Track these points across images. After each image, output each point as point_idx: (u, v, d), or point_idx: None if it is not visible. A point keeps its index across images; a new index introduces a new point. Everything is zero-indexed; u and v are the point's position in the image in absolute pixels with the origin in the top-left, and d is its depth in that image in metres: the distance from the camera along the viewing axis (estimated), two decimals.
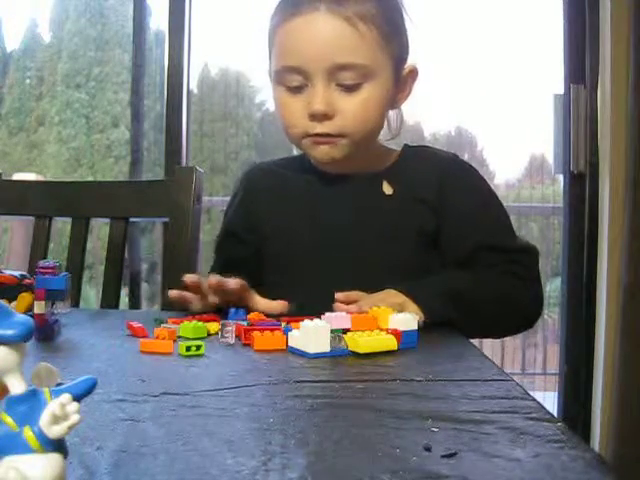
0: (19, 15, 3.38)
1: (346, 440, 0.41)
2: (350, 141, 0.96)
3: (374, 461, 0.37)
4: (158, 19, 2.29)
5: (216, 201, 2.76)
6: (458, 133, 2.96)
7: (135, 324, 0.76)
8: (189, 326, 0.75)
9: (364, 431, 0.43)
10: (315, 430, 0.43)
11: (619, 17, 1.73)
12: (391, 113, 1.04)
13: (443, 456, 0.38)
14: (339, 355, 0.67)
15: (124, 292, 1.77)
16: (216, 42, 2.72)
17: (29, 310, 0.75)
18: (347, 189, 1.01)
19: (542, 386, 2.86)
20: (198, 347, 0.66)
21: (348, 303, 0.81)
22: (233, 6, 2.73)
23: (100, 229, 2.68)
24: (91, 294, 2.68)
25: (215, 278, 0.87)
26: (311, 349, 0.66)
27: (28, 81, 3.46)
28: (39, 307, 0.70)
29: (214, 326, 0.77)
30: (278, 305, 0.88)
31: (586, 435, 1.81)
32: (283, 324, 0.76)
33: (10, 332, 0.28)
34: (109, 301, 1.19)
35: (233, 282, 0.86)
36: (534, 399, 0.51)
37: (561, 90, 1.91)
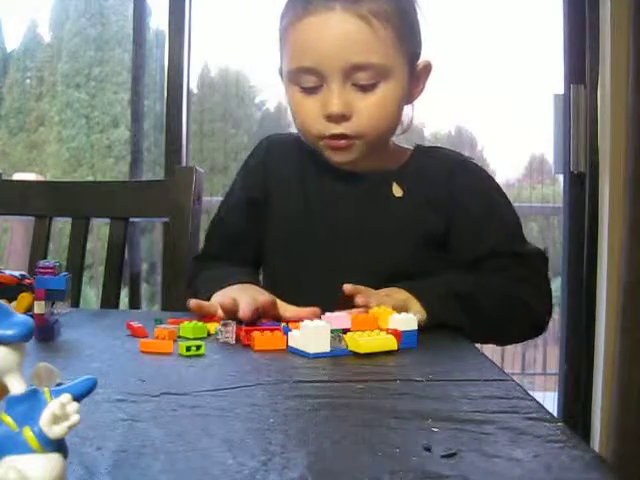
0: (19, 15, 3.38)
1: (346, 440, 0.41)
2: (366, 141, 0.95)
3: (374, 461, 0.37)
4: (158, 19, 2.29)
5: (216, 201, 2.76)
6: (458, 133, 2.96)
7: (135, 324, 0.76)
8: (189, 326, 0.75)
9: (364, 431, 0.43)
10: (315, 430, 0.43)
11: (619, 17, 1.73)
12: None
13: (443, 456, 0.38)
14: (339, 355, 0.67)
15: (124, 292, 1.77)
16: (216, 42, 2.72)
17: (29, 310, 0.75)
18: (357, 188, 1.00)
19: (542, 386, 2.86)
20: (198, 347, 0.66)
21: (353, 295, 0.81)
22: (233, 6, 2.73)
23: (100, 229, 2.68)
24: (91, 294, 2.68)
25: (229, 302, 0.81)
26: (311, 349, 0.66)
27: (28, 81, 3.46)
28: (39, 307, 0.70)
29: (214, 326, 0.77)
30: (310, 311, 0.81)
31: (586, 435, 1.81)
32: (283, 324, 0.76)
33: (10, 332, 0.28)
34: (109, 301, 1.19)
35: (247, 307, 0.79)
36: (534, 399, 0.51)
37: (561, 90, 1.91)
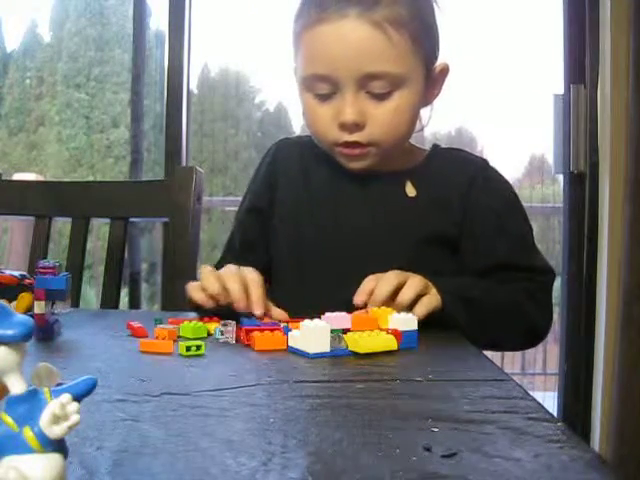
0: (19, 15, 3.38)
1: (346, 440, 0.41)
2: (380, 149, 0.94)
3: (374, 461, 0.37)
4: (158, 19, 2.29)
5: (216, 201, 2.76)
6: (458, 133, 2.96)
7: (135, 324, 0.76)
8: (189, 326, 0.75)
9: (364, 431, 0.43)
10: (315, 430, 0.43)
11: (619, 17, 1.73)
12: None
13: (443, 456, 0.38)
14: (339, 355, 0.67)
15: (124, 292, 1.77)
16: (216, 42, 2.72)
17: (29, 310, 0.75)
18: (370, 187, 1.00)
19: (542, 386, 2.86)
20: (198, 347, 0.66)
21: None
22: (233, 6, 2.73)
23: (100, 229, 2.68)
24: (91, 294, 2.68)
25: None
26: (311, 349, 0.66)
27: (28, 81, 3.46)
28: (39, 307, 0.70)
29: (214, 326, 0.77)
30: (280, 313, 0.84)
31: (586, 435, 1.81)
32: (283, 324, 0.76)
33: (10, 332, 0.28)
34: (109, 301, 1.19)
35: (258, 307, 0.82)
36: (534, 399, 0.51)
37: (561, 90, 1.91)
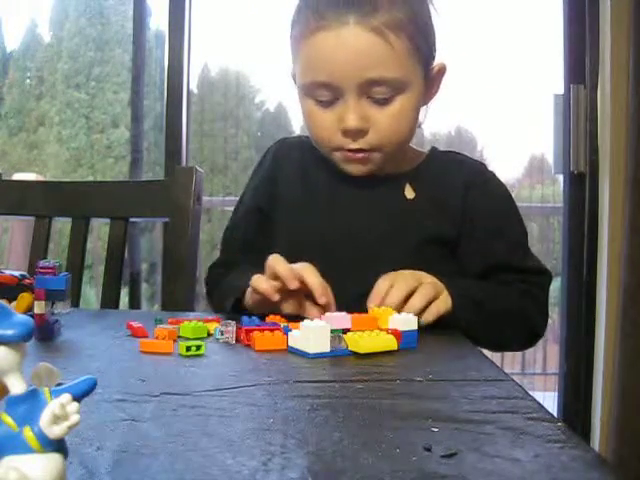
0: (19, 15, 3.38)
1: (346, 440, 0.41)
2: (383, 154, 0.95)
3: (374, 461, 0.37)
4: (158, 19, 2.29)
5: (216, 201, 2.76)
6: (458, 133, 2.96)
7: (135, 324, 0.76)
8: (189, 326, 0.75)
9: (364, 431, 0.43)
10: (315, 430, 0.43)
11: (619, 17, 1.73)
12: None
13: (443, 456, 0.38)
14: (339, 355, 0.67)
15: (124, 292, 1.77)
16: (216, 42, 2.72)
17: (29, 310, 0.75)
18: (368, 189, 1.00)
19: (542, 386, 2.86)
20: (198, 347, 0.66)
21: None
22: (233, 6, 2.73)
23: (100, 229, 2.68)
24: (91, 294, 2.69)
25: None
26: (311, 349, 0.66)
27: (28, 81, 3.46)
28: (39, 307, 0.70)
29: (214, 326, 0.77)
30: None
31: (586, 435, 1.81)
32: (283, 324, 0.76)
33: (10, 332, 0.28)
34: (109, 301, 1.19)
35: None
36: (534, 399, 0.51)
37: (561, 90, 1.91)
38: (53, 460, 0.28)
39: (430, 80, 0.98)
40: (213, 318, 0.83)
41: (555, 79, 1.94)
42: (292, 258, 0.97)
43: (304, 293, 0.84)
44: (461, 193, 0.99)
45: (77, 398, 0.29)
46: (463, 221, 0.98)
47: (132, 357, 0.66)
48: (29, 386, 0.29)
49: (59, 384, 0.30)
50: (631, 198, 1.66)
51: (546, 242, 2.75)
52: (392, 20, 0.88)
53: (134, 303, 2.10)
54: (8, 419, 0.28)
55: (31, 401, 0.29)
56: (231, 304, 0.91)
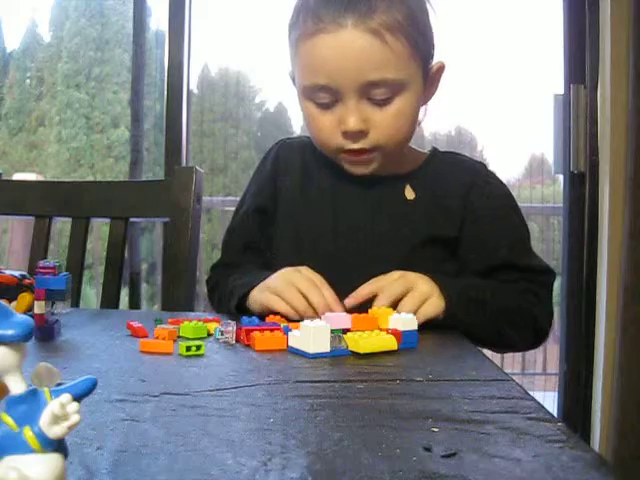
0: (19, 15, 3.38)
1: (346, 440, 0.41)
2: (384, 153, 0.95)
3: (374, 461, 0.37)
4: (158, 19, 2.29)
5: (216, 201, 2.76)
6: (458, 133, 2.96)
7: (135, 324, 0.76)
8: (189, 326, 0.75)
9: (364, 431, 0.43)
10: (315, 430, 0.43)
11: (619, 17, 1.73)
12: None
13: (443, 456, 0.38)
14: (339, 355, 0.67)
15: (124, 292, 1.77)
16: (216, 42, 2.73)
17: (29, 310, 0.75)
18: (369, 190, 1.00)
19: (542, 386, 2.87)
20: (198, 347, 0.66)
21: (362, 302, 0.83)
22: (233, 6, 2.73)
23: (100, 229, 2.69)
24: (91, 294, 2.69)
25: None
26: (311, 349, 0.66)
27: (28, 81, 3.46)
28: (39, 307, 0.70)
29: (214, 326, 0.77)
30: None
31: (586, 435, 1.81)
32: (283, 324, 0.76)
33: (10, 332, 0.28)
34: (109, 301, 1.19)
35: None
36: (534, 399, 0.51)
37: (561, 90, 1.91)
38: (53, 460, 0.28)
39: (429, 79, 0.98)
40: (213, 318, 0.83)
41: (555, 79, 1.94)
42: (294, 258, 0.97)
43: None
44: (462, 194, 0.99)
45: (77, 398, 0.29)
46: (465, 222, 0.98)
47: (132, 357, 0.66)
48: (29, 386, 0.29)
49: (59, 384, 0.30)
50: (631, 198, 1.66)
51: (546, 242, 2.75)
52: (390, 21, 0.88)
53: (134, 303, 2.10)
54: (8, 419, 0.28)
55: (31, 401, 0.29)
56: (235, 304, 0.91)
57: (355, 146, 0.93)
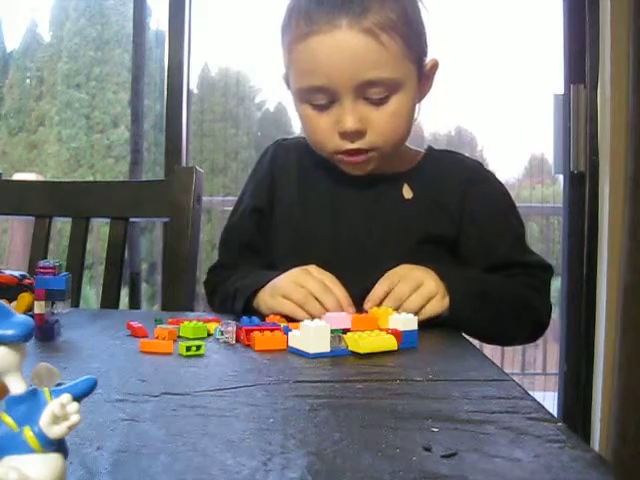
0: (19, 15, 3.38)
1: (346, 440, 0.41)
2: (381, 153, 0.95)
3: (374, 461, 0.37)
4: (158, 19, 2.29)
5: (216, 201, 2.76)
6: (458, 133, 2.96)
7: (135, 324, 0.76)
8: (189, 326, 0.75)
9: (364, 431, 0.43)
10: (315, 430, 0.43)
11: (619, 17, 1.73)
12: None
13: (443, 456, 0.38)
14: (339, 355, 0.67)
15: (124, 292, 1.77)
16: (216, 42, 2.73)
17: (29, 310, 0.75)
18: (367, 190, 1.00)
19: (542, 386, 2.86)
20: (198, 347, 0.66)
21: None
22: (233, 6, 2.74)
23: (100, 229, 2.69)
24: (91, 294, 2.69)
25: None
26: (311, 349, 0.66)
27: (28, 81, 3.46)
28: (39, 307, 0.70)
29: (214, 326, 0.77)
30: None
31: (586, 435, 1.81)
32: (283, 324, 0.76)
33: (10, 332, 0.28)
34: (109, 301, 1.19)
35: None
36: (534, 399, 0.51)
37: (561, 90, 1.91)
38: (53, 460, 0.28)
39: (424, 77, 0.98)
40: (213, 318, 0.83)
41: (555, 79, 1.94)
42: (292, 259, 0.97)
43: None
44: (459, 192, 0.99)
45: (77, 398, 0.29)
46: (462, 220, 0.99)
47: (132, 357, 0.66)
48: (29, 386, 0.29)
49: (59, 384, 0.30)
50: (631, 198, 1.66)
51: (546, 242, 2.75)
52: (384, 20, 0.88)
53: (134, 303, 2.10)
54: (8, 419, 0.28)
55: (31, 401, 0.29)
56: (241, 305, 0.91)
57: (352, 146, 0.93)
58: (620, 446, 1.63)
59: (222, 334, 0.74)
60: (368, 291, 0.85)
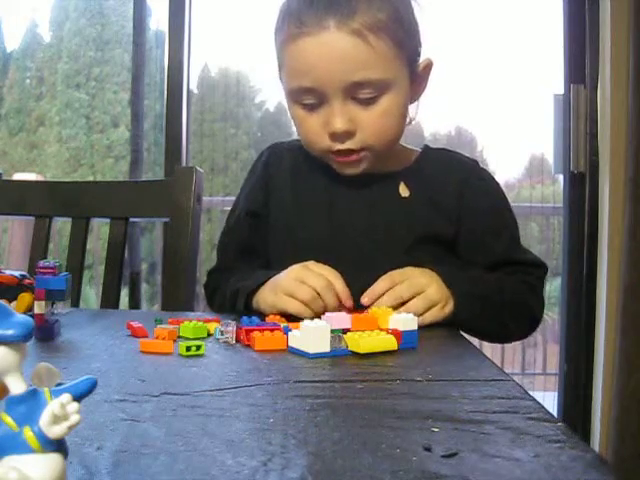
0: (19, 15, 3.38)
1: (346, 440, 0.41)
2: (373, 153, 0.95)
3: (374, 461, 0.37)
4: (158, 19, 2.29)
5: (216, 201, 2.76)
6: (458, 133, 2.96)
7: (135, 324, 0.76)
8: (189, 326, 0.75)
9: (364, 431, 0.43)
10: (315, 430, 0.43)
11: (619, 17, 1.73)
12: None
13: (443, 456, 0.38)
14: (339, 355, 0.67)
15: (124, 292, 1.77)
16: (216, 42, 2.73)
17: (29, 310, 0.75)
18: (363, 189, 1.00)
19: (542, 386, 2.86)
20: (198, 347, 0.66)
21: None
22: (233, 6, 2.74)
23: (100, 229, 2.69)
24: (91, 294, 2.69)
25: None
26: (311, 349, 0.66)
27: (28, 81, 3.46)
28: (39, 307, 0.70)
29: (214, 326, 0.77)
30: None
31: (586, 435, 1.81)
32: (283, 324, 0.76)
33: (10, 332, 0.28)
34: (109, 301, 1.19)
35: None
36: (534, 399, 0.51)
37: (561, 90, 1.91)
38: (53, 460, 0.28)
39: (417, 77, 0.98)
40: (213, 318, 0.83)
41: (555, 79, 1.94)
42: (289, 259, 0.97)
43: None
44: (456, 191, 1.00)
45: (77, 398, 0.29)
46: (460, 218, 0.99)
47: (132, 357, 0.66)
48: (29, 386, 0.29)
49: (59, 384, 0.30)
50: (631, 198, 1.66)
51: (546, 242, 2.75)
52: (372, 21, 0.88)
53: (134, 303, 2.10)
54: (8, 419, 0.28)
55: (31, 401, 0.29)
56: (243, 303, 0.91)
57: (343, 147, 0.93)
58: (620, 446, 1.63)
59: (222, 334, 0.74)
60: (366, 289, 0.85)
